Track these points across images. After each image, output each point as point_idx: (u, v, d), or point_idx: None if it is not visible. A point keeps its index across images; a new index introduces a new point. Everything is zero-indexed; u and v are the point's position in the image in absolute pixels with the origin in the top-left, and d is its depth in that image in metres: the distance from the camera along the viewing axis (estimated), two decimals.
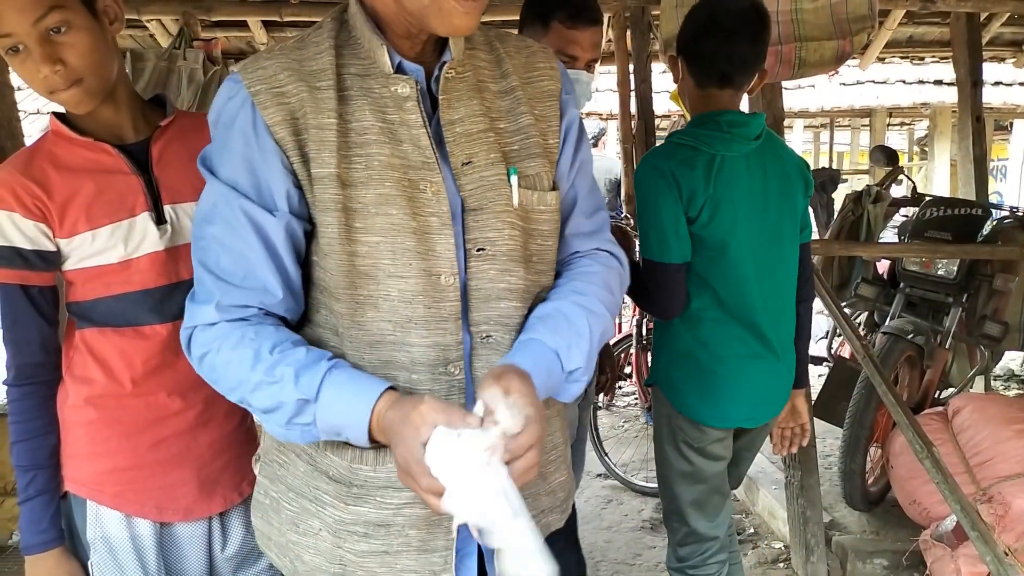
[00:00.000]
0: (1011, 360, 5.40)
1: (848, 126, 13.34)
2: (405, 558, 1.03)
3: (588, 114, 7.20)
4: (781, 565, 2.83)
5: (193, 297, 1.03)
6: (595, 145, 4.94)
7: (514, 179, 1.02)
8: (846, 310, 3.68)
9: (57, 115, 1.30)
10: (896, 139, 13.06)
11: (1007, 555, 2.08)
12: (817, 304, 5.54)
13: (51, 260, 1.26)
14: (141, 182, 1.29)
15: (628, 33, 3.21)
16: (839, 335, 3.83)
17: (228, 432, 1.43)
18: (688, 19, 1.71)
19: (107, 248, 1.27)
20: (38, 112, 7.53)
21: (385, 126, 0.97)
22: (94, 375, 1.31)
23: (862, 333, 3.61)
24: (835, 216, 3.81)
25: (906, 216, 3.88)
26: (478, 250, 1.01)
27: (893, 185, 4.02)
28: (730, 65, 1.66)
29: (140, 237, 1.29)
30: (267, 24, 3.71)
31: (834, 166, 10.70)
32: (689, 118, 1.78)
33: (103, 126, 1.30)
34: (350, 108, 0.97)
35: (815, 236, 3.49)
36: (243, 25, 3.72)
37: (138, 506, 1.34)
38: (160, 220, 1.30)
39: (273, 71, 0.97)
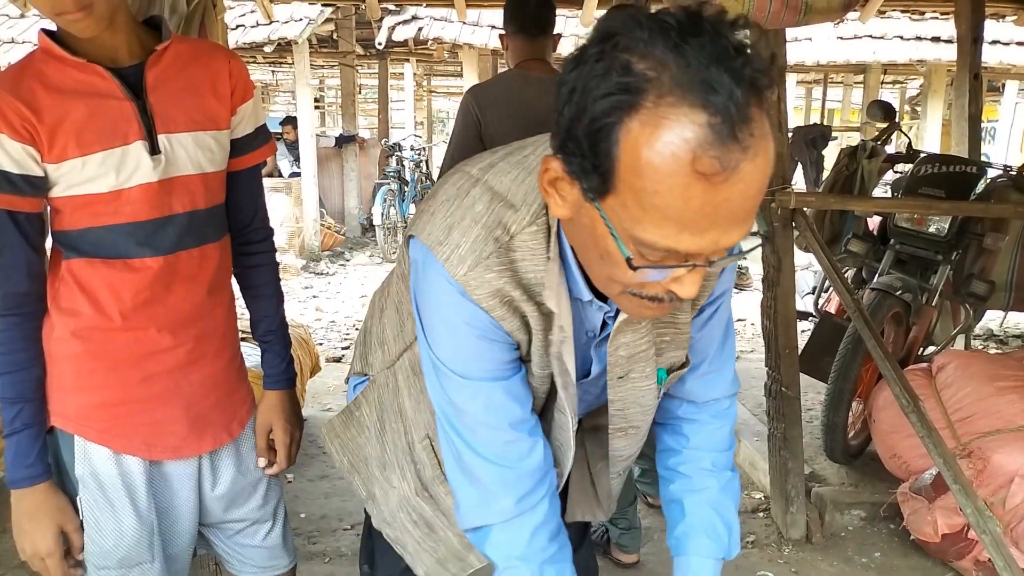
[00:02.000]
0: (990, 320, 5.48)
1: (841, 83, 13.21)
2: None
3: None
4: (761, 515, 2.88)
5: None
6: None
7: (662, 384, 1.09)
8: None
9: (47, 32, 1.23)
10: (888, 97, 12.98)
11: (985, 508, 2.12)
12: (807, 259, 5.53)
13: (39, 186, 1.21)
14: (135, 108, 1.23)
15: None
16: (826, 291, 3.84)
17: (218, 369, 1.40)
18: None
19: (98, 176, 1.22)
20: (12, 41, 7.29)
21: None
22: (81, 307, 1.27)
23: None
24: (826, 172, 3.78)
25: (900, 173, 3.86)
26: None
27: (888, 141, 3.98)
28: None
29: (133, 167, 1.23)
30: None
31: (825, 123, 10.64)
32: None
33: (97, 47, 1.22)
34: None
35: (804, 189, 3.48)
36: None
37: (126, 442, 1.32)
38: (154, 150, 1.24)
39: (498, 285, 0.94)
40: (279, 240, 6.77)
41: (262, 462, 1.48)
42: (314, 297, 6.13)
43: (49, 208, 1.25)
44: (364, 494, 1.31)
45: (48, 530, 1.28)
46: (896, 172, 3.94)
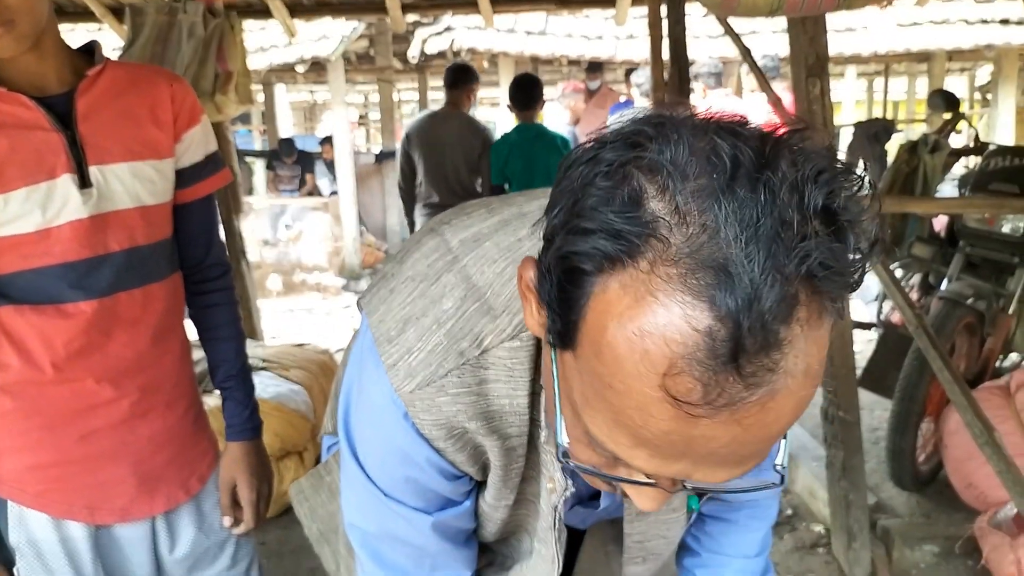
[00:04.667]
0: None
1: (904, 73, 12.69)
2: None
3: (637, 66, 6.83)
4: (820, 550, 2.62)
5: None
6: (719, 85, 4.36)
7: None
8: (898, 271, 3.39)
9: None
10: (956, 85, 12.35)
11: None
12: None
13: None
14: (63, 139, 1.11)
15: None
16: (889, 298, 3.54)
17: (171, 423, 1.27)
18: None
19: (22, 215, 1.10)
20: None
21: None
22: (9, 359, 1.15)
23: (916, 296, 3.32)
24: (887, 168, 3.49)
25: (967, 168, 3.54)
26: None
27: (952, 134, 3.67)
28: None
29: (61, 203, 1.11)
30: None
31: (888, 116, 10.16)
32: None
33: (22, 74, 1.11)
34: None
35: None
36: None
37: (66, 507, 1.19)
38: (84, 183, 1.13)
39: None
40: (319, 259, 6.78)
41: (227, 521, 1.33)
42: (354, 317, 6.07)
43: None
44: (332, 568, 1.14)
45: None
46: (964, 167, 3.62)
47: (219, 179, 1.31)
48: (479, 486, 0.81)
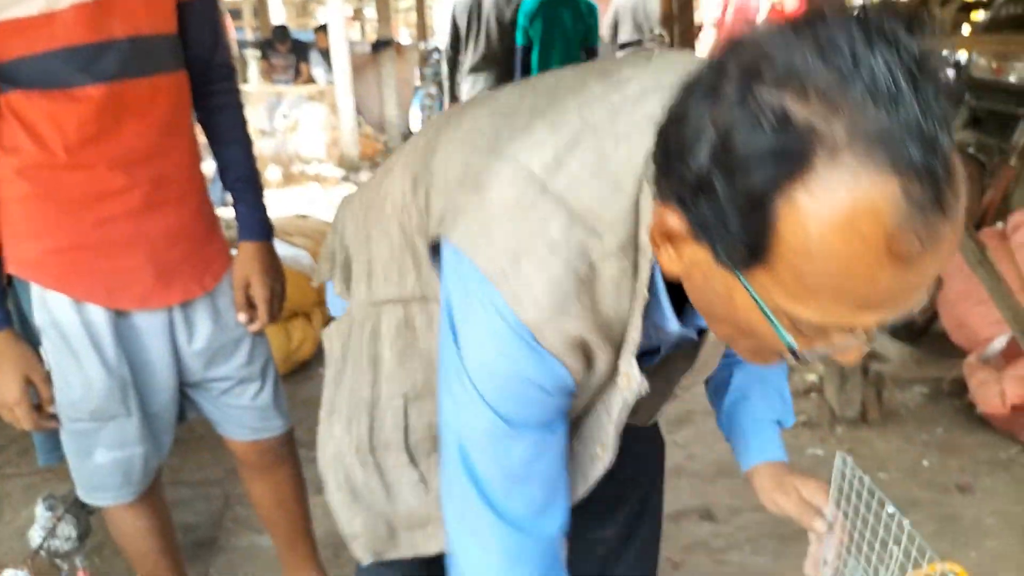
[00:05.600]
0: None
1: None
2: None
3: None
4: (813, 395, 2.70)
5: None
6: None
7: None
8: None
9: None
10: None
11: None
12: None
13: None
14: None
15: None
16: None
17: (184, 218, 1.30)
18: None
19: None
20: None
21: None
22: (22, 144, 1.17)
23: None
24: None
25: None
26: None
27: None
28: None
29: None
30: None
31: None
32: None
33: None
34: None
35: None
36: None
37: (86, 289, 1.23)
38: None
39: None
40: (317, 150, 6.70)
41: (242, 318, 1.38)
42: None
43: None
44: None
45: (12, 379, 1.21)
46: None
47: None
48: None
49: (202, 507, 2.15)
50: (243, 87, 6.78)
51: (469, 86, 4.45)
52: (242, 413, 1.43)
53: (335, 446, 1.03)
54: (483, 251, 0.71)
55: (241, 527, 2.06)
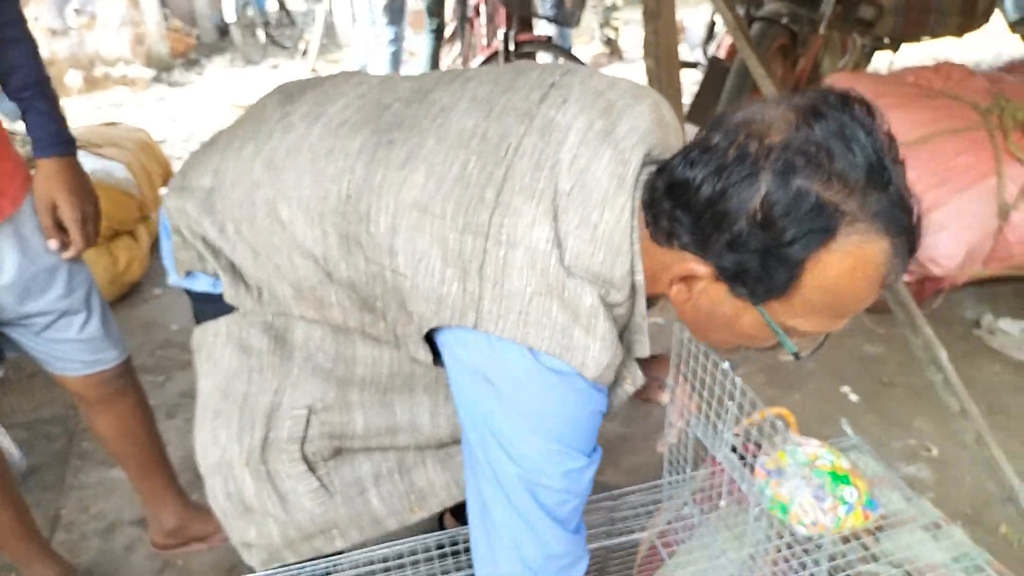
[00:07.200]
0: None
1: None
2: None
3: None
4: None
5: None
6: None
7: None
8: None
9: None
10: None
11: None
12: (703, 12, 5.19)
13: None
14: None
15: None
16: (714, 37, 3.64)
17: None
18: None
19: None
20: None
21: None
22: None
23: None
24: None
25: None
26: None
27: None
28: None
29: None
30: None
31: None
32: None
33: None
34: None
35: None
36: None
37: None
38: None
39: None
40: (121, 49, 6.02)
41: (53, 244, 1.25)
42: (171, 114, 5.52)
43: None
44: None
45: None
46: None
47: None
48: None
49: (44, 447, 2.01)
50: None
51: None
52: (70, 348, 1.32)
53: (220, 454, 1.00)
54: (531, 334, 0.78)
55: (89, 463, 1.95)
